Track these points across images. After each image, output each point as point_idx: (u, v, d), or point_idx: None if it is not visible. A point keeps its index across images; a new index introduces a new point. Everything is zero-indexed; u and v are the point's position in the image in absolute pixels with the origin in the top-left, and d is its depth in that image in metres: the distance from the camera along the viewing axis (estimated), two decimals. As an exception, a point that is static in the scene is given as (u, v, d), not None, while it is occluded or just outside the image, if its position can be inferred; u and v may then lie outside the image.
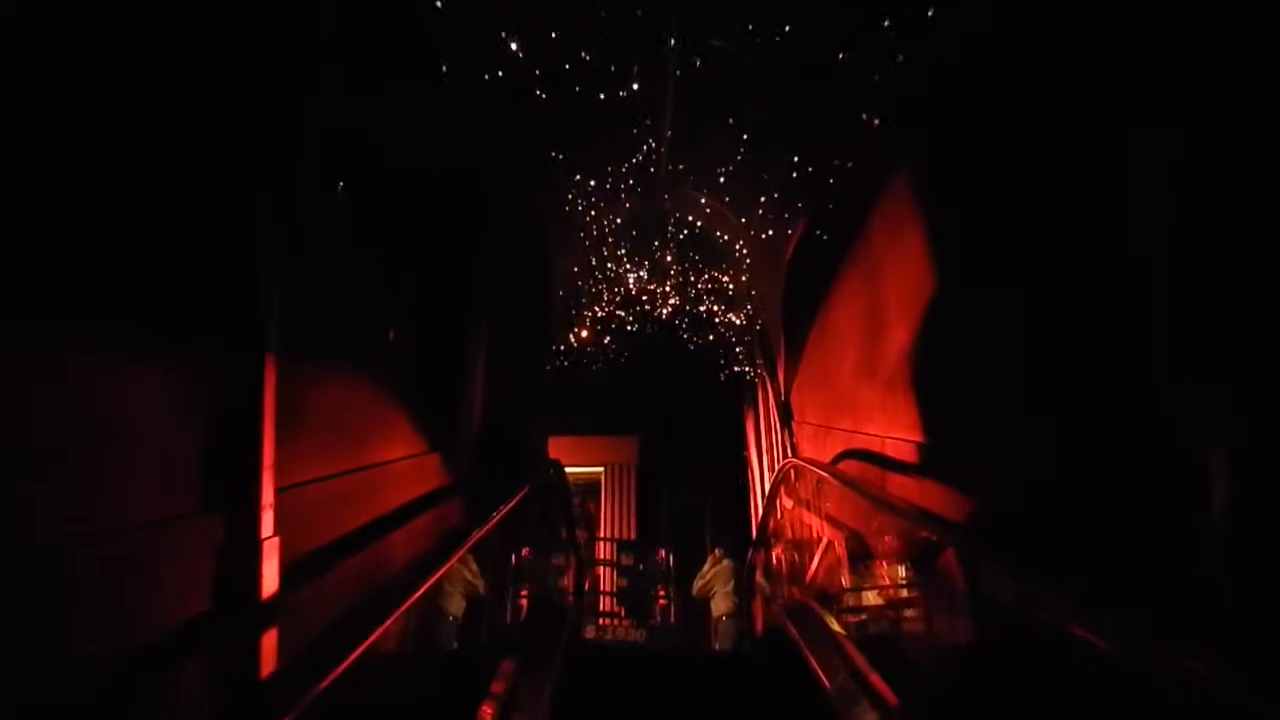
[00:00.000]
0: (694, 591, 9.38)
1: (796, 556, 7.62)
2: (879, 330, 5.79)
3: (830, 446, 7.02)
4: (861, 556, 5.91)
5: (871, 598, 5.77)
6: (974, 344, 4.24)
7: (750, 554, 8.89)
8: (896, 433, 5.31)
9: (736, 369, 10.81)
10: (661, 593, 12.71)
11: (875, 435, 5.72)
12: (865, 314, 6.17)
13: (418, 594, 2.86)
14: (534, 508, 7.17)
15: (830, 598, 6.42)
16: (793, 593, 7.44)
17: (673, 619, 12.33)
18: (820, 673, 4.17)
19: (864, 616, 5.71)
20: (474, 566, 6.48)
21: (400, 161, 4.82)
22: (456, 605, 6.31)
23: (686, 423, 13.14)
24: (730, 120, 6.22)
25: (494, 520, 4.37)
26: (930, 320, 4.84)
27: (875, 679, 3.65)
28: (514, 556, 8.18)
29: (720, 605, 9.05)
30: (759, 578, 8.73)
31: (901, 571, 5.13)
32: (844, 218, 6.26)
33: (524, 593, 9.63)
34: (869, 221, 5.79)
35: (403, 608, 2.66)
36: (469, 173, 5.97)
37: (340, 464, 3.55)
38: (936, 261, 4.75)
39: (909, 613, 5.04)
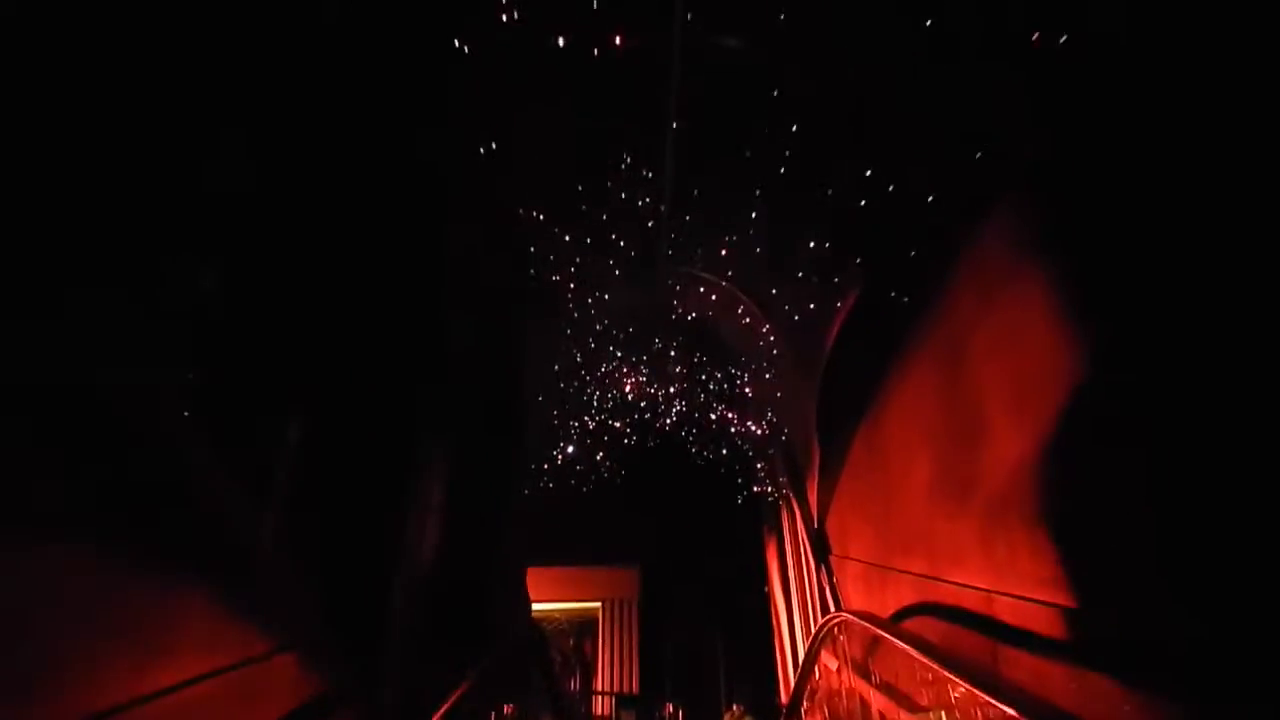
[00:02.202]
0: None
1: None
2: (970, 435, 4.17)
3: (891, 595, 5.27)
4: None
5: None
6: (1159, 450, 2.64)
7: None
8: (1012, 587, 3.61)
9: (755, 489, 9.11)
10: (669, 760, 10.69)
11: (973, 587, 4.01)
12: (945, 411, 4.56)
13: None
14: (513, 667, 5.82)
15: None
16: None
17: None
18: None
19: None
20: None
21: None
22: None
23: (696, 552, 11.34)
24: (747, 154, 4.78)
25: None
26: (1069, 419, 3.23)
27: None
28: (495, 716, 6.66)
29: None
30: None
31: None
32: (911, 281, 4.72)
33: None
34: (950, 284, 4.25)
35: None
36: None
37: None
38: (1071, 330, 3.19)
39: None
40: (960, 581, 4.21)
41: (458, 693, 3.51)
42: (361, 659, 4.41)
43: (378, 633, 4.68)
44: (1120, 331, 2.97)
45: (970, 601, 4.02)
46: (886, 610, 5.23)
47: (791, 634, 8.42)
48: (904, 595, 5.01)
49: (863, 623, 4.98)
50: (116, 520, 2.25)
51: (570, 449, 8.66)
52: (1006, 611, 3.64)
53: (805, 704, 6.74)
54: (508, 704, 7.06)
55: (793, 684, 8.27)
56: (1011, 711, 3.03)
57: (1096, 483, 3.20)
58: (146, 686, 2.09)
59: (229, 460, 3.17)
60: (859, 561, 6.31)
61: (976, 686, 3.27)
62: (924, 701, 4.41)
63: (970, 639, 3.95)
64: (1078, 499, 3.30)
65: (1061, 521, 3.35)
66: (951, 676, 3.55)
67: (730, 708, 7.83)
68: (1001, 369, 3.83)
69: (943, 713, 4.29)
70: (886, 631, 4.49)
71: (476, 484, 6.57)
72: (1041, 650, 3.30)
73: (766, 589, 9.61)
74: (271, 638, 2.90)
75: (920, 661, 4.04)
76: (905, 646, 4.05)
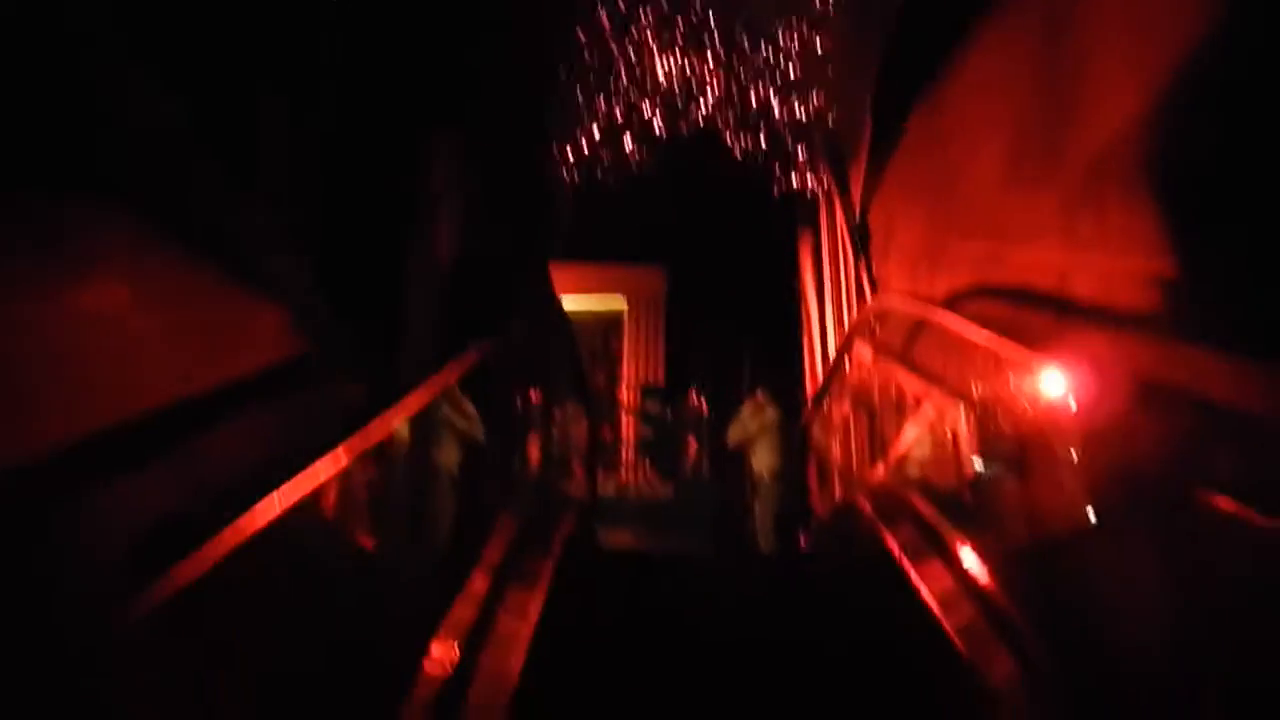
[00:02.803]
0: (729, 442, 7.83)
1: (880, 425, 5.77)
2: (1063, 102, 3.62)
3: (942, 282, 4.97)
4: (1000, 444, 4.07)
5: (1013, 504, 3.95)
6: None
7: (808, 410, 7.15)
8: (1096, 261, 3.25)
9: (793, 182, 8.56)
10: (692, 443, 11.16)
11: (1045, 266, 3.66)
12: (1031, 78, 3.96)
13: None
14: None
15: (938, 491, 4.63)
16: (874, 472, 5.65)
17: (705, 473, 10.86)
18: (926, 592, 3.11)
19: (999, 529, 3.90)
20: (469, 409, 5.34)
21: None
22: (450, 458, 5.24)
23: (725, 250, 11.02)
24: None
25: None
26: (1193, 74, 2.67)
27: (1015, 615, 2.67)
28: (521, 401, 6.68)
29: (762, 461, 7.52)
30: (818, 437, 7.03)
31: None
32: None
33: (534, 441, 8.58)
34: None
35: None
36: None
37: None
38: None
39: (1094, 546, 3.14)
40: (1024, 261, 3.86)
41: (475, 356, 3.31)
42: (373, 348, 4.27)
43: (390, 320, 4.50)
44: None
45: (1041, 279, 3.69)
46: (935, 298, 4.95)
47: (822, 329, 8.33)
48: (957, 281, 4.70)
49: (908, 307, 4.72)
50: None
51: (597, 134, 8.04)
52: (1085, 287, 3.31)
53: (832, 394, 6.74)
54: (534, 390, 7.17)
55: (820, 377, 8.32)
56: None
57: (1213, 143, 2.72)
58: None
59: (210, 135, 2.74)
60: (904, 250, 5.97)
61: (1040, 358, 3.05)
62: (969, 383, 4.26)
63: (1037, 319, 3.67)
64: (1191, 160, 2.84)
65: (1168, 186, 2.91)
66: (1009, 354, 3.31)
67: (754, 395, 7.87)
68: (1115, 19, 3.20)
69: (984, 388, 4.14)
70: (938, 313, 4.23)
71: (496, 170, 6.13)
72: (1124, 324, 3.01)
73: (797, 286, 9.41)
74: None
75: (973, 341, 3.82)
76: (960, 324, 3.80)
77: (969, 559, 3.55)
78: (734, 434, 7.80)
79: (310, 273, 3.31)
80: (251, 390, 2.57)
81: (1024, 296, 3.83)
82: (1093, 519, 2.96)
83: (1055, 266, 3.56)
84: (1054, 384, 3.26)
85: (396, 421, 3.04)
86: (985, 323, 3.90)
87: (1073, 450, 3.21)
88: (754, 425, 7.65)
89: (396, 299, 4.79)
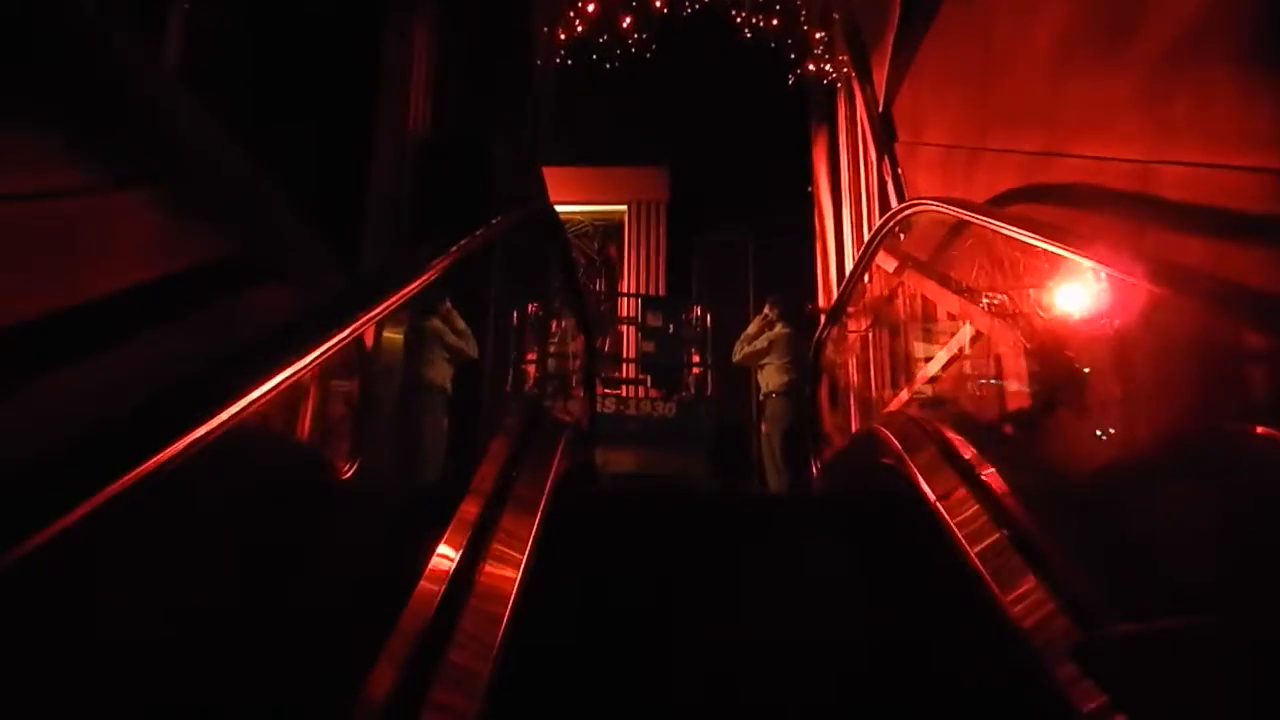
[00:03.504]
0: (735, 358, 7.43)
1: (905, 344, 5.26)
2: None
3: (981, 182, 4.36)
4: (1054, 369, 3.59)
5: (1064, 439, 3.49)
6: None
7: (822, 327, 6.64)
8: (1193, 152, 2.66)
9: (807, 71, 7.76)
10: (695, 359, 10.73)
11: (1119, 159, 3.06)
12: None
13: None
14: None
15: (975, 422, 4.13)
16: (896, 398, 5.17)
17: (708, 391, 10.44)
18: (954, 528, 2.64)
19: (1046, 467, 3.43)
20: (460, 325, 5.07)
21: None
22: (441, 374, 5.05)
23: (732, 150, 10.28)
24: None
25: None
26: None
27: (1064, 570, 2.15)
28: (517, 314, 6.40)
29: (771, 379, 7.03)
30: (832, 357, 6.53)
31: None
32: None
33: (531, 357, 8.19)
34: None
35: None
36: None
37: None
38: None
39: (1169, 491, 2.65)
40: (1098, 155, 3.25)
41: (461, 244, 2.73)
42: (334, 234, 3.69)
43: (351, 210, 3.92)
44: None
45: (1113, 177, 3.09)
46: (973, 201, 4.36)
47: (838, 238, 7.72)
48: (1002, 180, 4.09)
49: (944, 208, 4.12)
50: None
51: (591, 7, 7.17)
52: (1175, 184, 2.73)
53: (850, 309, 6.21)
54: (531, 304, 6.53)
55: (835, 290, 7.75)
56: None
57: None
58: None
59: None
60: (936, 146, 5.32)
61: (1110, 265, 2.50)
62: (1019, 298, 3.73)
63: (1107, 224, 3.09)
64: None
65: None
66: (1076, 257, 2.73)
67: (763, 310, 7.32)
68: None
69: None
70: (981, 217, 3.64)
71: (478, 44, 5.44)
72: (1231, 229, 2.44)
73: (810, 189, 8.74)
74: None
75: (1031, 249, 3.25)
76: (1012, 230, 3.21)
77: (1012, 502, 3.08)
78: (741, 351, 7.27)
79: (248, 160, 2.72)
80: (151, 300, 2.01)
81: (1090, 197, 3.24)
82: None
83: (1133, 162, 2.97)
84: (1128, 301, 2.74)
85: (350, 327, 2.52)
86: (1039, 230, 3.33)
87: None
88: (762, 341, 7.14)
89: (361, 184, 4.21)
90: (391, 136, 4.29)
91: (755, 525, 3.44)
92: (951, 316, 4.40)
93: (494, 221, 3.45)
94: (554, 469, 3.35)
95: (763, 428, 7.25)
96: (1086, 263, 2.71)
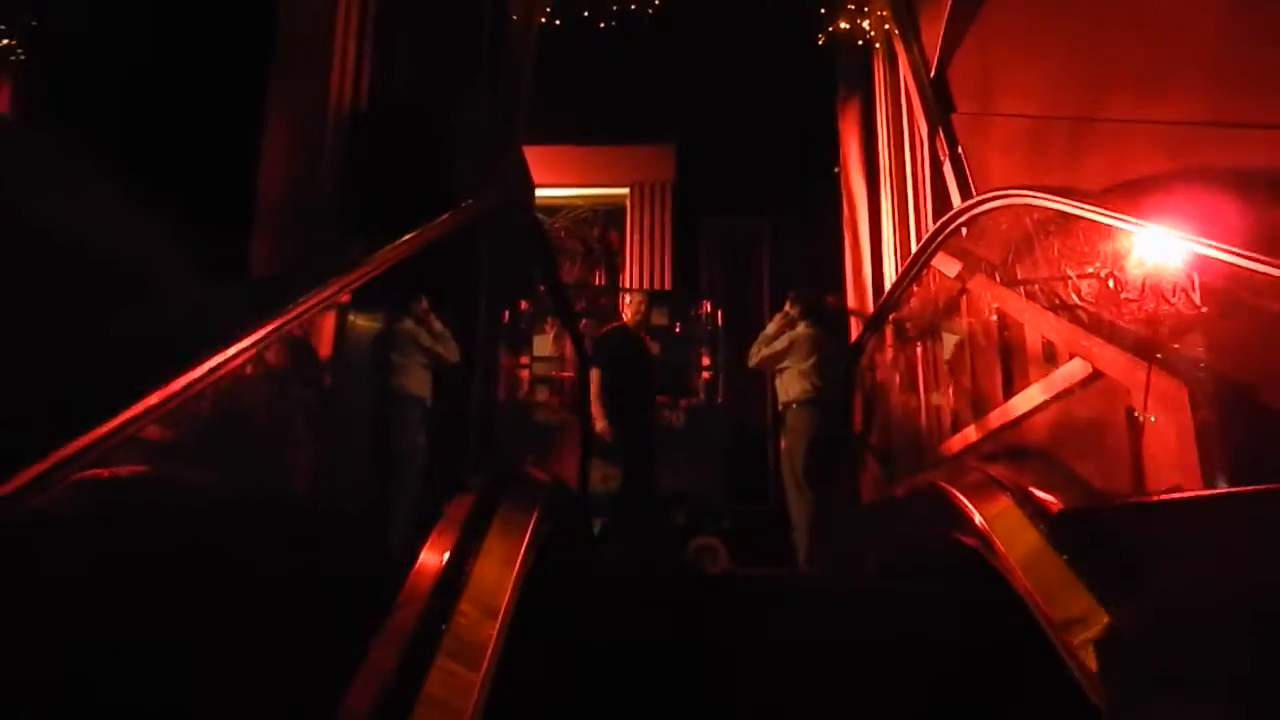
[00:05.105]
0: (752, 361, 6.51)
1: (970, 368, 4.20)
2: None
3: (1091, 166, 3.27)
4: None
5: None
6: None
7: (862, 334, 5.69)
8: None
9: (837, 28, 6.64)
10: (705, 361, 9.81)
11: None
12: None
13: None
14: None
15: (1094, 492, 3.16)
16: (960, 434, 4.13)
17: (719, 397, 9.58)
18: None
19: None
20: (437, 327, 4.74)
21: None
22: (419, 383, 4.68)
23: (747, 126, 9.26)
24: None
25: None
26: None
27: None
28: (505, 315, 5.81)
29: (791, 386, 6.14)
30: (869, 379, 5.68)
31: None
32: None
33: (525, 361, 7.67)
34: None
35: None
36: None
37: None
38: None
39: None
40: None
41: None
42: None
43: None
44: None
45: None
46: (1085, 188, 3.25)
47: (874, 227, 6.67)
48: (1129, 165, 2.99)
49: (1045, 200, 3.01)
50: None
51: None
52: None
53: (894, 321, 5.22)
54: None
55: (867, 286, 6.73)
56: None
57: None
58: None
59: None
60: (1010, 120, 4.21)
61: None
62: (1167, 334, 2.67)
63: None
64: None
65: None
66: None
67: (784, 307, 6.38)
68: None
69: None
70: (1102, 214, 2.56)
71: None
72: None
73: (838, 170, 7.70)
74: None
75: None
76: (1208, 246, 2.12)
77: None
78: (759, 354, 6.37)
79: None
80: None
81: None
82: None
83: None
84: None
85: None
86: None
87: None
88: (782, 341, 6.21)
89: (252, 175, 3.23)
90: (295, 108, 3.26)
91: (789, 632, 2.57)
92: (1050, 345, 3.33)
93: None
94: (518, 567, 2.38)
95: (782, 443, 6.38)
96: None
